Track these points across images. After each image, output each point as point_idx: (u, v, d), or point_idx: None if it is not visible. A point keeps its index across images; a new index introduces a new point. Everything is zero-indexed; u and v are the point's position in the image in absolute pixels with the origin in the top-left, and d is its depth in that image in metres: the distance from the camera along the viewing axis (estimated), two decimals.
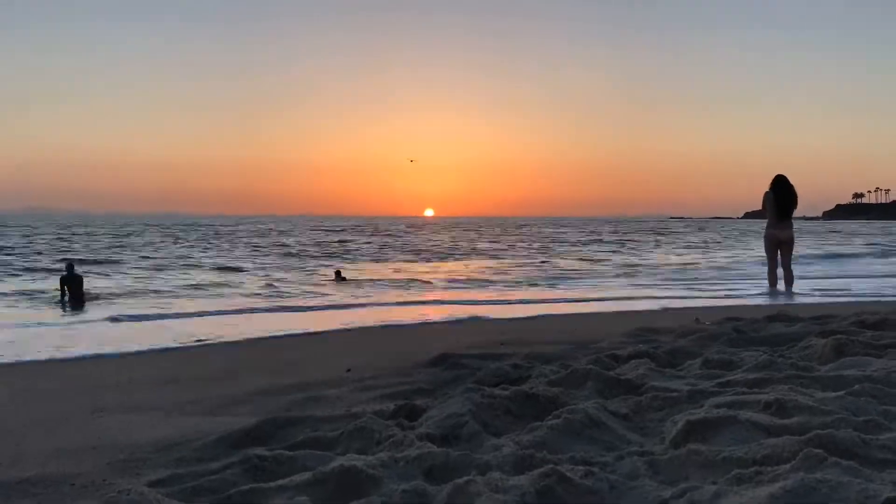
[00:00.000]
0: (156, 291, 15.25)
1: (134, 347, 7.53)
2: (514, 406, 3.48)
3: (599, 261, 26.42)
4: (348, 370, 5.28)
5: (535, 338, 6.63)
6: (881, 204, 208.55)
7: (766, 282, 11.56)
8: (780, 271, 11.22)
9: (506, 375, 4.45)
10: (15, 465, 3.14)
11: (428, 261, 27.55)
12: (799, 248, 14.86)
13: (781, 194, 10.87)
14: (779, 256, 11.24)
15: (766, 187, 11.05)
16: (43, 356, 7.05)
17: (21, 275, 19.87)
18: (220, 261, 25.50)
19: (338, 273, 17.86)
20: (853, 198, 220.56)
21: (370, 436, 3.13)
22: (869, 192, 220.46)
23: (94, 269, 21.12)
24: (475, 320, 9.62)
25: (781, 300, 10.44)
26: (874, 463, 2.54)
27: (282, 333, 8.42)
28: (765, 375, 3.97)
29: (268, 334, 8.36)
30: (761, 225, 11.93)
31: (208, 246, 36.79)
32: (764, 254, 11.67)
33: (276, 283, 16.68)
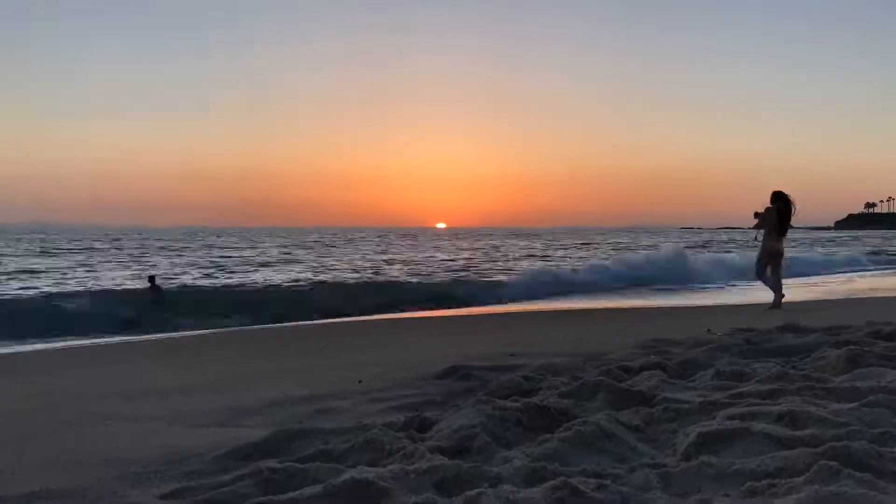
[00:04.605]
0: None
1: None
2: (526, 418, 3.47)
3: None
4: (359, 381, 5.28)
5: (545, 349, 6.62)
6: (893, 213, 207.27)
7: (770, 295, 11.50)
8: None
9: (516, 387, 4.43)
10: (20, 477, 3.12)
11: None
12: None
13: (786, 209, 11.19)
14: (768, 270, 11.46)
15: (761, 200, 11.38)
16: None
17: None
18: None
19: (151, 279, 16.42)
20: (865, 207, 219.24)
21: (381, 448, 3.13)
22: (881, 201, 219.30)
23: None
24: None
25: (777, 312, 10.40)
26: (890, 475, 2.52)
27: None
28: (777, 387, 3.95)
29: None
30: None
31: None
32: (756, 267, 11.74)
33: None
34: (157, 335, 11.05)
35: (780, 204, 11.26)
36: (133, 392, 5.26)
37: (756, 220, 11.46)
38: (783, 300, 11.27)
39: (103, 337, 10.98)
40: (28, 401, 5.06)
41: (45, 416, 4.50)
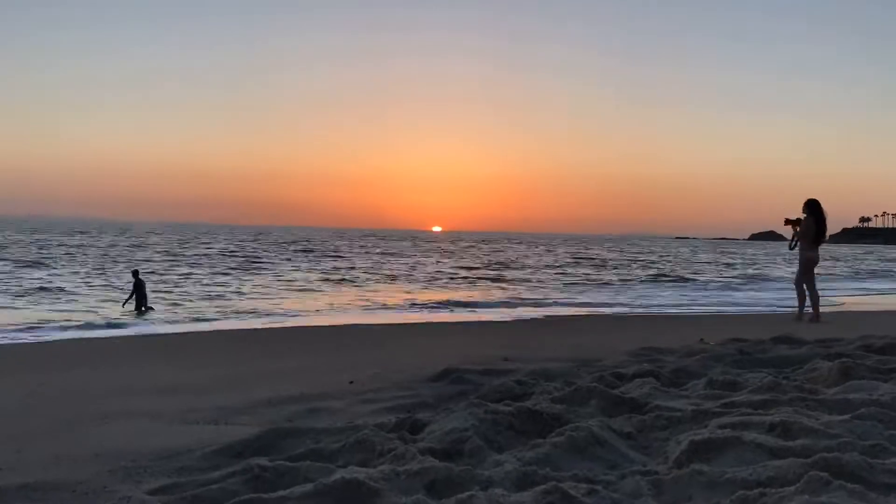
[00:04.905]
0: None
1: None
2: (518, 422, 3.46)
3: None
4: (351, 382, 5.27)
5: (539, 354, 6.61)
6: (888, 228, 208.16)
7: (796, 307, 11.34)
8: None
9: (509, 391, 4.43)
10: (17, 471, 3.12)
11: None
12: None
13: (821, 219, 11.13)
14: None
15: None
16: None
17: None
18: None
19: (135, 273, 15.81)
20: (860, 222, 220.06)
21: (371, 448, 3.12)
22: (876, 216, 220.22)
23: None
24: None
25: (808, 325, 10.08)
26: (880, 487, 2.52)
27: None
28: (770, 397, 3.95)
29: None
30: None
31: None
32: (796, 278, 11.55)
33: None
34: (160, 332, 11.02)
35: (817, 213, 11.12)
36: (133, 390, 5.24)
37: (788, 227, 11.36)
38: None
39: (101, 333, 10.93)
40: (28, 399, 5.02)
41: (44, 414, 4.46)
